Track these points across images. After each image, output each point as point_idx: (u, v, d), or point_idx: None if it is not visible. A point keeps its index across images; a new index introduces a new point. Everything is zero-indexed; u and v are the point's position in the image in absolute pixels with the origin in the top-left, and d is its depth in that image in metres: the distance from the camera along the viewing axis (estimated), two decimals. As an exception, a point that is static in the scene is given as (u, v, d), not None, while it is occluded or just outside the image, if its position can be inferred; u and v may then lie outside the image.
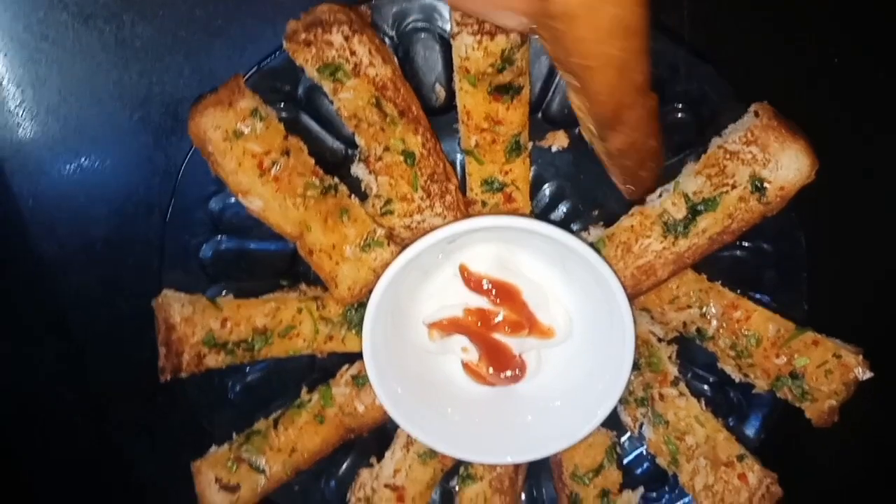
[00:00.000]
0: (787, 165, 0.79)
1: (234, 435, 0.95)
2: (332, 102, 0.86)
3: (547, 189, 0.94)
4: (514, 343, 0.89)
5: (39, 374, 1.00)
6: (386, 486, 0.94)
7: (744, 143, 0.81)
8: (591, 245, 0.83)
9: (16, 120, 0.93)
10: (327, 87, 0.83)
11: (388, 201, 0.88)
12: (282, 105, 0.88)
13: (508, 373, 0.90)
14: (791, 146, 0.79)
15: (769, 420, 0.93)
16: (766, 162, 0.80)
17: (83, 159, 0.95)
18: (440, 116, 0.90)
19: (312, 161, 0.87)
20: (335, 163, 0.91)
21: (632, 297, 0.86)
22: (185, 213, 0.91)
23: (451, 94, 0.89)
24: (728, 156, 0.82)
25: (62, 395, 1.00)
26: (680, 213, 0.84)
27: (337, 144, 0.91)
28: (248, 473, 0.92)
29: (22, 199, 0.95)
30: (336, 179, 0.89)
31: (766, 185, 0.81)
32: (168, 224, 0.91)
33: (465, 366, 0.92)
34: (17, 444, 1.01)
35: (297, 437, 0.93)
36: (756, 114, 0.81)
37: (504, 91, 0.82)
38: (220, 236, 0.92)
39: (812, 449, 0.95)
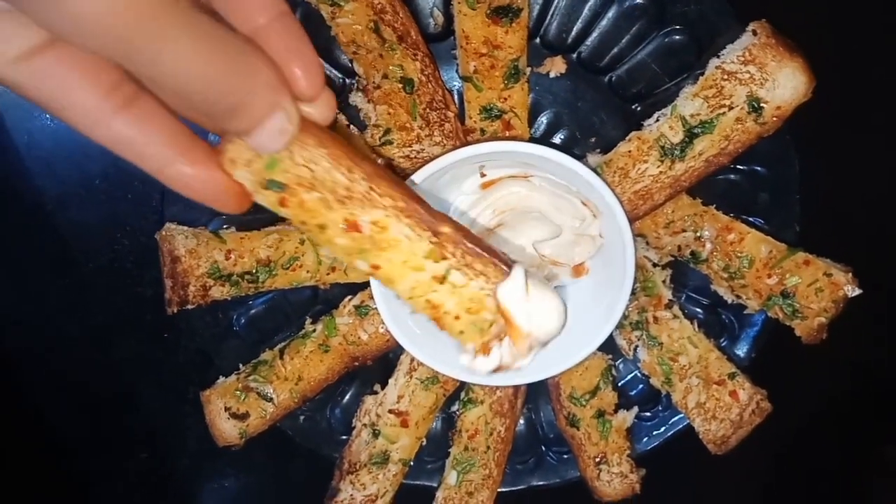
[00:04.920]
0: (784, 84, 0.80)
1: (240, 366, 0.97)
2: (329, 28, 0.85)
3: (544, 116, 0.94)
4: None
5: (43, 309, 1.01)
6: (390, 411, 0.97)
7: (741, 62, 0.81)
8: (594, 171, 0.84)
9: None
10: (325, 11, 0.82)
11: (388, 131, 0.88)
12: (278, 33, 0.87)
13: None
14: (788, 64, 0.80)
15: (760, 339, 0.97)
16: (763, 81, 0.81)
17: (78, 93, 0.94)
18: (438, 44, 0.89)
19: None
20: (333, 92, 0.90)
21: (629, 223, 0.88)
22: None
23: (448, 19, 0.88)
24: (725, 76, 0.82)
25: (67, 330, 1.01)
26: (677, 136, 0.86)
27: (334, 73, 0.91)
28: (256, 402, 0.95)
29: (17, 134, 0.94)
30: (335, 109, 0.89)
31: (762, 105, 0.82)
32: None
33: None
34: (26, 379, 1.02)
35: (302, 366, 0.95)
36: (754, 32, 0.81)
37: (503, 13, 0.82)
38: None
39: (800, 367, 0.98)
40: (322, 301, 0.99)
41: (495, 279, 0.59)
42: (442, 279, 0.59)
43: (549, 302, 0.59)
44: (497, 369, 0.61)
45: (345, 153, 0.54)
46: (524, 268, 0.59)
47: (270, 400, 0.95)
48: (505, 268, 0.59)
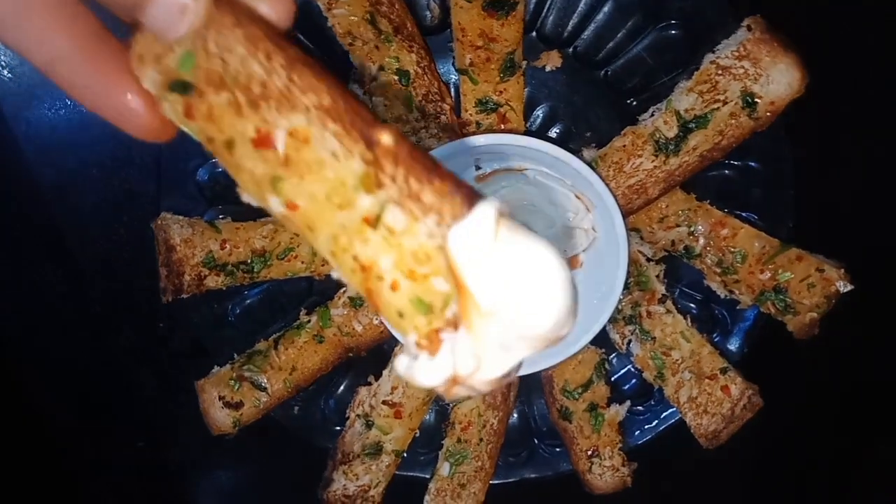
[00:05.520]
0: (778, 80, 0.81)
1: (234, 356, 0.97)
2: (325, 20, 0.85)
3: (540, 110, 0.94)
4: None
5: (38, 298, 1.01)
6: (384, 402, 0.97)
7: (736, 57, 0.81)
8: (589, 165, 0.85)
9: (5, 42, 0.92)
10: (321, 2, 0.83)
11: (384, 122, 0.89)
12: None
13: None
14: (782, 59, 0.80)
15: (752, 334, 0.97)
16: (757, 76, 0.81)
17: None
18: (434, 36, 0.90)
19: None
20: None
21: (623, 217, 0.88)
22: (181, 135, 0.90)
23: (444, 11, 0.88)
24: (720, 71, 0.83)
25: (62, 319, 1.02)
26: (671, 131, 0.86)
27: (331, 66, 0.91)
28: (250, 391, 0.95)
29: (15, 123, 0.94)
30: (331, 101, 0.89)
31: (756, 100, 0.82)
32: (163, 147, 0.91)
33: None
34: (20, 367, 1.02)
35: (296, 357, 0.96)
36: (749, 28, 0.82)
37: (499, 6, 0.82)
38: (216, 159, 0.92)
39: (792, 362, 0.99)
40: (317, 292, 0.99)
41: (452, 220, 0.36)
42: (375, 221, 0.38)
43: (535, 261, 0.35)
44: (452, 381, 0.37)
45: (265, 34, 0.40)
46: (497, 204, 0.36)
47: (264, 390, 0.95)
48: (464, 199, 0.36)
